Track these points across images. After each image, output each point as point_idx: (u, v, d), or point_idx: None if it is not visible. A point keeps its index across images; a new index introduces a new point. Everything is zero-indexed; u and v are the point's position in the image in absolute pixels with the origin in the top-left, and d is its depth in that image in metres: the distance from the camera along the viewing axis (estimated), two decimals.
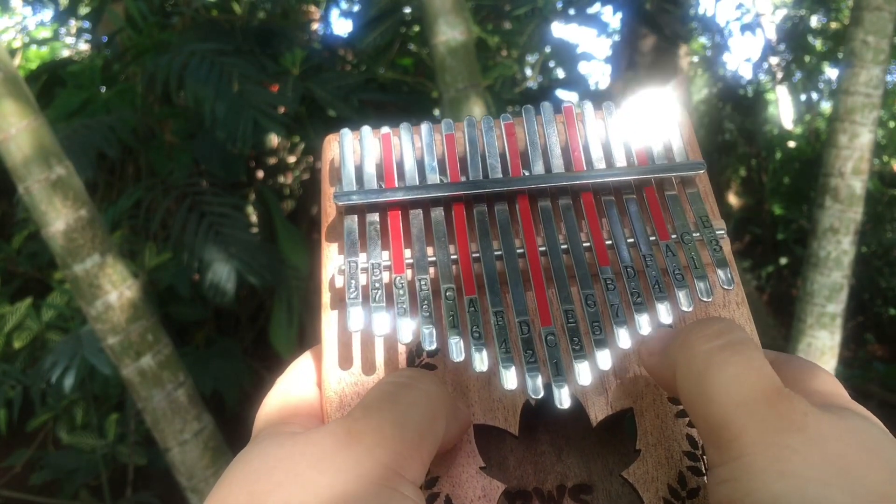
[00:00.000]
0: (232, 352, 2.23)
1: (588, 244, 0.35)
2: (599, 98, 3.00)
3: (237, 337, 2.55)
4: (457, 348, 0.31)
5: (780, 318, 3.38)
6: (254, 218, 2.59)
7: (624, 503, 0.33)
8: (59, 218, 1.37)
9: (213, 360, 2.11)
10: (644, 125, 0.38)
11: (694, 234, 0.35)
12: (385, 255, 0.35)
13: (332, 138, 0.39)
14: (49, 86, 2.35)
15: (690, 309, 0.33)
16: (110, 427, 1.97)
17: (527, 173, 0.37)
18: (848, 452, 0.24)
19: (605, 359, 0.31)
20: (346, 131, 0.38)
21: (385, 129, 0.38)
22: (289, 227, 2.32)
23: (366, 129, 0.38)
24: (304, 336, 2.34)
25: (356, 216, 0.36)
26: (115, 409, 2.09)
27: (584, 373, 0.31)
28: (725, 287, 0.34)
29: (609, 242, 0.35)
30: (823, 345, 1.81)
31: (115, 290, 1.42)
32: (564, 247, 0.35)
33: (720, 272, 0.34)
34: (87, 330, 1.80)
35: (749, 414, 0.25)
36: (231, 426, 1.90)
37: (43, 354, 1.96)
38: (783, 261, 3.96)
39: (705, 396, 0.26)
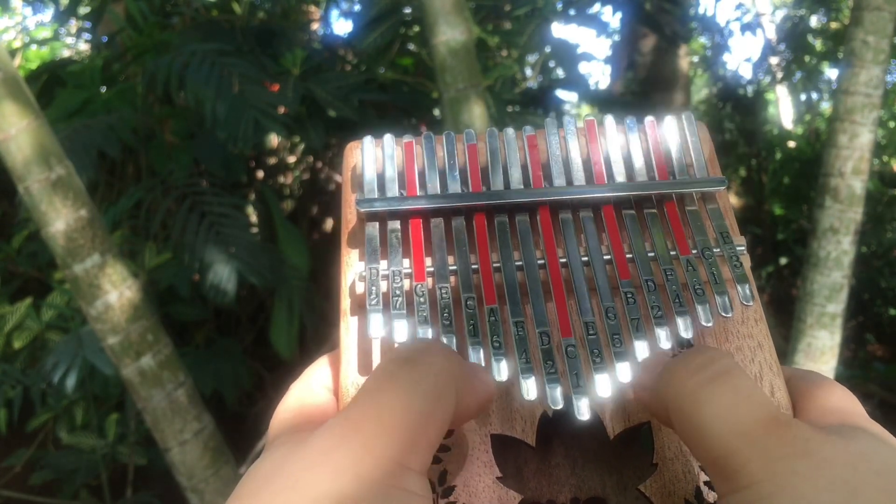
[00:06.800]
0: (232, 352, 2.23)
1: (609, 257, 0.35)
2: (599, 98, 3.00)
3: (237, 337, 2.55)
4: (476, 358, 0.32)
5: (780, 318, 3.38)
6: (254, 218, 2.59)
7: None
8: (59, 218, 1.37)
9: (213, 360, 2.11)
10: (665, 140, 0.39)
11: (714, 250, 0.35)
12: (406, 262, 0.35)
13: (354, 145, 0.39)
14: (49, 86, 2.35)
15: (710, 324, 0.33)
16: (110, 427, 1.97)
17: (548, 185, 0.37)
18: (855, 476, 0.24)
19: (624, 371, 0.31)
20: (368, 139, 0.38)
21: (408, 138, 0.38)
22: (289, 227, 2.32)
23: (388, 136, 0.38)
24: (305, 336, 2.34)
25: (377, 223, 0.36)
26: (115, 409, 2.09)
27: (603, 385, 0.31)
28: (745, 303, 0.34)
29: (629, 256, 0.35)
30: (823, 345, 1.81)
31: (115, 290, 1.42)
32: (585, 259, 0.35)
33: (740, 288, 0.34)
34: (87, 330, 1.80)
35: (750, 443, 0.25)
36: (231, 426, 1.90)
37: (43, 354, 1.96)
38: (783, 261, 3.96)
39: (701, 431, 0.26)
